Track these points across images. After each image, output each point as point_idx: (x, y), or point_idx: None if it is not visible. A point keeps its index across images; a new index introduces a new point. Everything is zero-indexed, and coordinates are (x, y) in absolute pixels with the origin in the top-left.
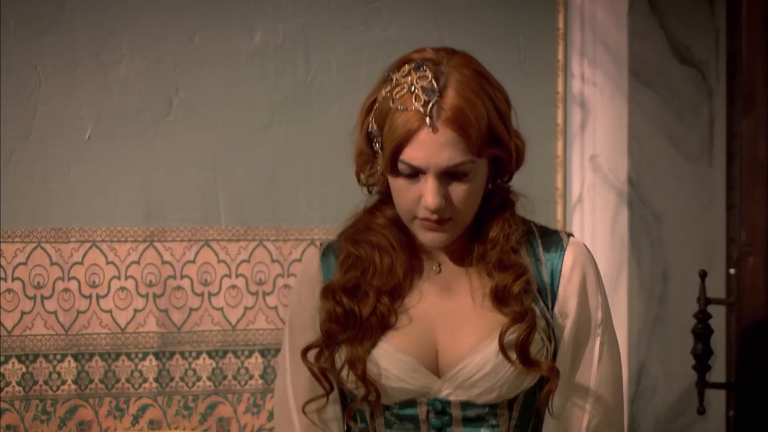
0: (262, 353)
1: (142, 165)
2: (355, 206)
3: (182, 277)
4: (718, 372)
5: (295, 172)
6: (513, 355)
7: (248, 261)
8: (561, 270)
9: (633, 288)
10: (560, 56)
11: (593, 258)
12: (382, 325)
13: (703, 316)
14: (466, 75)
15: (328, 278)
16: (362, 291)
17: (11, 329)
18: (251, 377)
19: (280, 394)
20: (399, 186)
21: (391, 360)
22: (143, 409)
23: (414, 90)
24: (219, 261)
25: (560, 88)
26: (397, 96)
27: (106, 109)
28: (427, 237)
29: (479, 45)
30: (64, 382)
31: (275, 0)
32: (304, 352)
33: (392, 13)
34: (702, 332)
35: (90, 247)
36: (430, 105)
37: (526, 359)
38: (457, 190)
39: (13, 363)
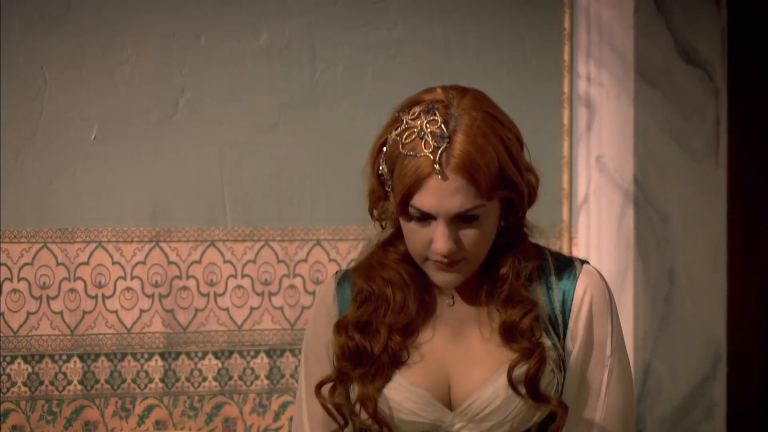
0: (268, 353)
1: (148, 165)
2: (369, 239)
3: (188, 277)
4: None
5: (301, 173)
6: (522, 390)
7: (254, 261)
8: (572, 298)
9: (639, 288)
10: (566, 56)
11: (607, 286)
12: (394, 361)
13: None
14: (476, 118)
15: (343, 309)
16: (374, 328)
17: (17, 329)
18: (257, 377)
19: (296, 425)
20: (410, 229)
21: (404, 393)
22: (149, 409)
23: (423, 135)
24: (225, 261)
25: (566, 89)
26: (407, 140)
27: (112, 109)
28: (439, 277)
29: (485, 45)
30: (69, 383)
31: (281, 0)
32: (318, 387)
33: (398, 13)
34: None
35: (96, 248)
36: (440, 151)
37: (535, 394)
38: (468, 233)
39: (19, 363)
